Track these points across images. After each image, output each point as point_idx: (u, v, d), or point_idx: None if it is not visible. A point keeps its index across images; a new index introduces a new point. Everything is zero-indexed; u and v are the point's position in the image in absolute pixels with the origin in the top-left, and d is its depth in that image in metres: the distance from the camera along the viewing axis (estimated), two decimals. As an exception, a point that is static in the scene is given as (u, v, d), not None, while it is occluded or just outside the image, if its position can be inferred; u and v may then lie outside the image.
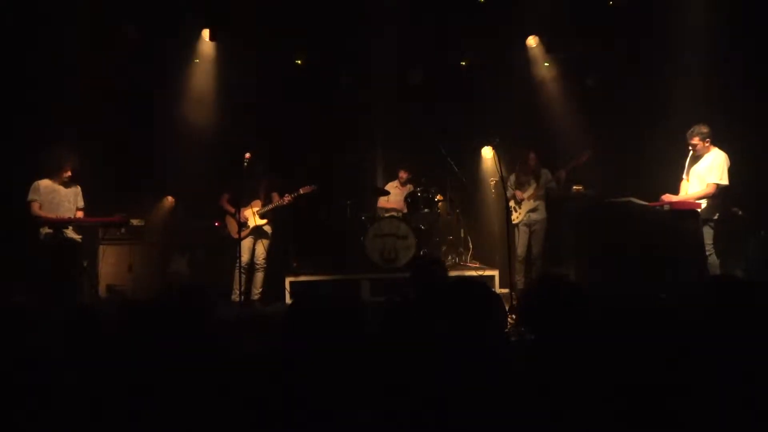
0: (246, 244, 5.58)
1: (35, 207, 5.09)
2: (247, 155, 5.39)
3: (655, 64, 6.66)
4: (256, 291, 5.75)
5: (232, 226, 5.62)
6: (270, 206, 5.59)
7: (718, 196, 4.93)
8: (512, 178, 6.18)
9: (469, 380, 1.72)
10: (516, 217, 6.05)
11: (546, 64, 7.34)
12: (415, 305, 2.24)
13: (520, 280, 6.11)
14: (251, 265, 5.69)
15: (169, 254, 6.25)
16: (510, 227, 5.78)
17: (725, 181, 4.89)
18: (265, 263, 5.73)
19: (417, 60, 7.33)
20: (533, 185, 6.11)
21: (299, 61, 7.26)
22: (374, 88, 7.37)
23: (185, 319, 2.03)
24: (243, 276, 5.51)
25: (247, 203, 5.53)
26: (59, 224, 5.04)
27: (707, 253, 4.86)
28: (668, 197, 5.06)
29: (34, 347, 2.03)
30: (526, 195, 6.08)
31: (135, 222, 5.78)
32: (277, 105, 7.17)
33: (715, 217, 4.96)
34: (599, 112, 6.95)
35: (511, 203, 6.12)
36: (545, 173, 6.13)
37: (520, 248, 6.09)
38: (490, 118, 7.09)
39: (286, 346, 1.91)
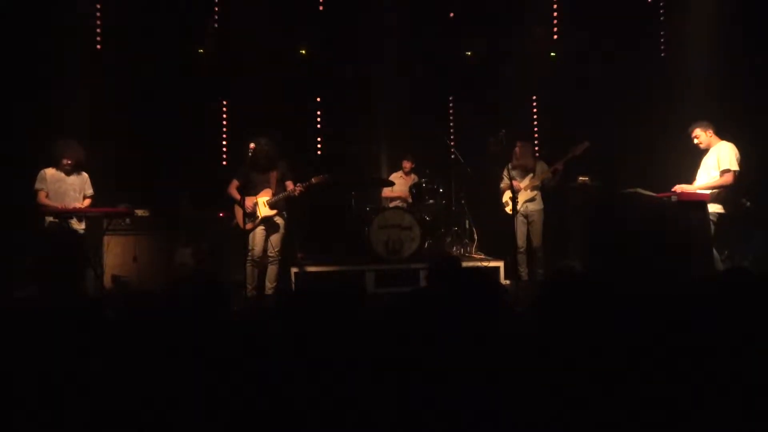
0: (257, 235, 5.31)
1: (42, 196, 5.06)
2: (252, 145, 5.30)
3: (662, 54, 6.61)
4: (270, 285, 5.43)
5: (240, 215, 5.31)
6: (280, 196, 5.30)
7: (735, 185, 4.89)
8: (507, 168, 6.14)
9: (476, 369, 1.71)
10: (509, 209, 6.06)
11: (552, 54, 7.30)
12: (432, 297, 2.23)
13: (523, 271, 6.11)
14: (264, 257, 5.40)
15: (174, 245, 6.23)
16: (510, 218, 5.81)
17: (736, 167, 4.87)
18: (279, 256, 5.43)
19: (421, 50, 7.30)
20: (529, 176, 6.10)
21: (303, 51, 7.23)
22: (378, 78, 7.35)
23: (196, 311, 2.03)
24: (255, 270, 5.33)
25: (255, 193, 5.29)
26: (64, 214, 5.03)
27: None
28: (681, 187, 5.03)
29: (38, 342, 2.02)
30: (522, 185, 6.07)
31: (140, 213, 5.76)
32: (281, 96, 7.17)
33: (722, 211, 4.94)
34: (606, 103, 6.92)
35: (508, 194, 6.12)
36: (541, 164, 6.12)
37: (520, 239, 6.09)
38: (495, 108, 7.08)
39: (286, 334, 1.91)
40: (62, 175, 5.16)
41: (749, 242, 5.47)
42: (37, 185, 5.07)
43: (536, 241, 6.10)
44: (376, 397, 1.67)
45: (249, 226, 5.27)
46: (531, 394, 1.63)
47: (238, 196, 5.25)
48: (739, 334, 1.96)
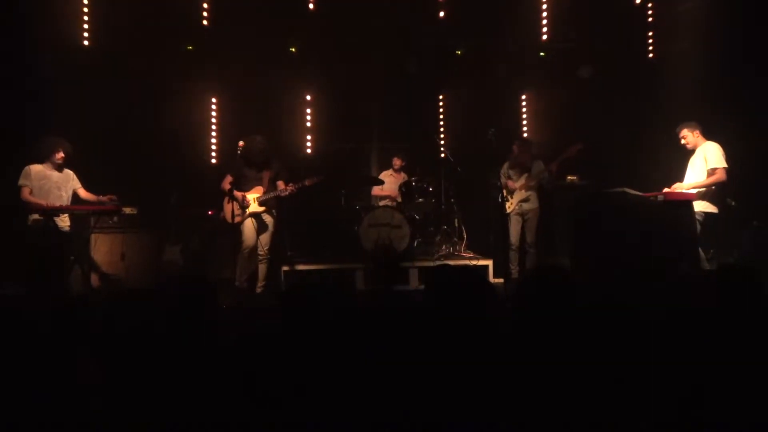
0: (247, 228, 5.23)
1: (26, 192, 4.97)
2: (241, 143, 5.27)
3: (650, 55, 6.67)
4: (260, 284, 5.36)
5: (228, 210, 5.19)
6: (270, 195, 5.27)
7: (728, 182, 4.96)
8: (504, 167, 6.22)
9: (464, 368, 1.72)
10: (508, 206, 6.09)
11: (541, 54, 7.34)
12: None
13: (514, 269, 6.14)
14: (254, 255, 5.32)
15: (163, 243, 6.18)
16: (502, 217, 5.84)
17: (725, 164, 4.94)
18: (268, 254, 5.36)
19: (413, 48, 7.31)
20: (525, 175, 6.14)
21: (293, 49, 7.21)
22: (369, 76, 7.35)
23: (185, 308, 2.02)
24: (248, 261, 5.25)
25: (247, 189, 5.26)
26: (49, 212, 4.95)
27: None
28: (675, 186, 5.08)
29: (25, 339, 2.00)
30: (518, 185, 6.11)
31: (128, 210, 5.69)
32: (271, 94, 7.15)
33: (709, 211, 4.99)
34: (595, 103, 6.98)
35: (504, 193, 6.16)
36: (538, 164, 6.15)
37: (513, 237, 6.13)
38: (486, 107, 7.11)
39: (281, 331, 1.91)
40: (48, 172, 5.09)
41: (734, 242, 5.54)
42: (22, 181, 4.98)
43: (530, 237, 6.14)
44: (363, 396, 1.67)
45: (237, 219, 5.23)
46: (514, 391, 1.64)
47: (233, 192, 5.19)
48: (723, 333, 1.98)
